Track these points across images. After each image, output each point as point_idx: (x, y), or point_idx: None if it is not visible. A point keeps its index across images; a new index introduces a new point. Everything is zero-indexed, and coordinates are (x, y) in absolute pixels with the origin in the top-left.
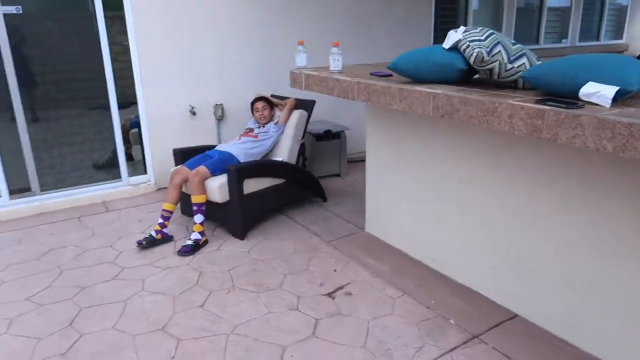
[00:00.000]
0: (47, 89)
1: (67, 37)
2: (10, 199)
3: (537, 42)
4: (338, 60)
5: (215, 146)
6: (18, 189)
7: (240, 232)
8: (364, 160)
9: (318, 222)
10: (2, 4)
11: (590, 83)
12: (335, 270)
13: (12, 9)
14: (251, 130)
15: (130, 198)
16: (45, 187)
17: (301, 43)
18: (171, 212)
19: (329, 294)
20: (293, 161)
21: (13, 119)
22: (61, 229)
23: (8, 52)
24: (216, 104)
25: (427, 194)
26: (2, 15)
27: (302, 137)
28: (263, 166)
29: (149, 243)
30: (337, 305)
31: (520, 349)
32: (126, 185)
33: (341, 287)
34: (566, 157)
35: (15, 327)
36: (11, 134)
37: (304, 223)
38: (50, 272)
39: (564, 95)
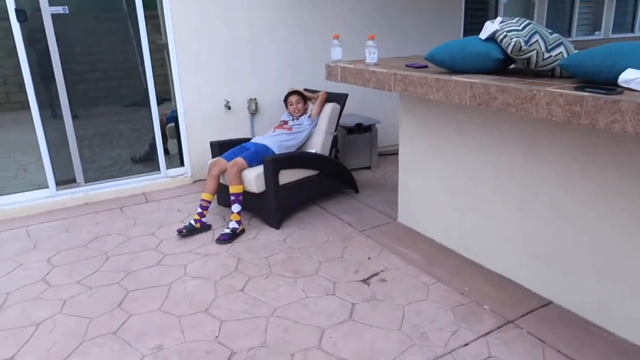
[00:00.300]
0: (88, 87)
1: (107, 36)
2: (57, 189)
3: (569, 34)
4: (374, 53)
5: (250, 139)
6: (64, 180)
7: (276, 221)
8: (395, 154)
9: (351, 213)
10: (50, 5)
11: (629, 70)
12: (369, 258)
13: (59, 9)
14: (285, 122)
15: (168, 189)
16: (89, 179)
17: (336, 37)
18: (209, 202)
19: (364, 281)
20: (326, 153)
21: (59, 114)
22: (105, 218)
23: (56, 51)
24: (250, 99)
25: (460, 184)
26: (50, 16)
27: (335, 130)
28: (297, 158)
29: (188, 231)
30: (372, 291)
31: (555, 334)
32: (164, 177)
33: (376, 274)
34: (603, 146)
35: (68, 307)
36: (57, 128)
37: (337, 213)
38: (97, 258)
39: (602, 83)
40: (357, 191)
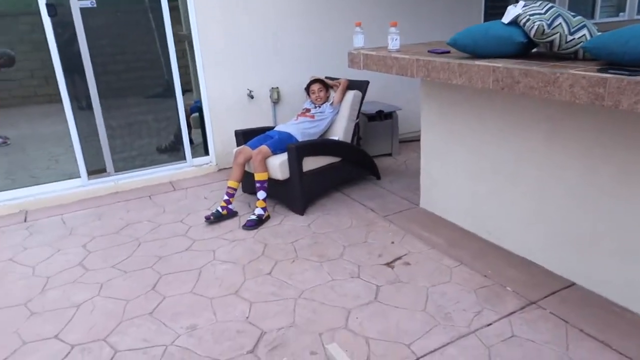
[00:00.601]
0: (114, 79)
1: (132, 28)
2: (89, 179)
3: (592, 16)
4: (396, 39)
5: (273, 127)
6: (94, 170)
7: (300, 207)
8: (415, 140)
9: (373, 199)
10: None
11: None
12: (392, 243)
13: (87, 3)
14: (308, 110)
15: (194, 178)
16: (118, 169)
17: (359, 24)
18: (235, 190)
19: (388, 264)
20: (348, 140)
21: (85, 106)
22: (135, 206)
23: (85, 44)
24: (272, 88)
25: (483, 169)
26: (79, 9)
27: (357, 117)
28: (321, 145)
29: (216, 218)
30: (397, 273)
31: (578, 314)
32: (190, 166)
33: (399, 258)
34: (626, 129)
35: (105, 290)
36: (85, 120)
37: (360, 199)
38: (130, 244)
39: (626, 64)
40: (379, 177)
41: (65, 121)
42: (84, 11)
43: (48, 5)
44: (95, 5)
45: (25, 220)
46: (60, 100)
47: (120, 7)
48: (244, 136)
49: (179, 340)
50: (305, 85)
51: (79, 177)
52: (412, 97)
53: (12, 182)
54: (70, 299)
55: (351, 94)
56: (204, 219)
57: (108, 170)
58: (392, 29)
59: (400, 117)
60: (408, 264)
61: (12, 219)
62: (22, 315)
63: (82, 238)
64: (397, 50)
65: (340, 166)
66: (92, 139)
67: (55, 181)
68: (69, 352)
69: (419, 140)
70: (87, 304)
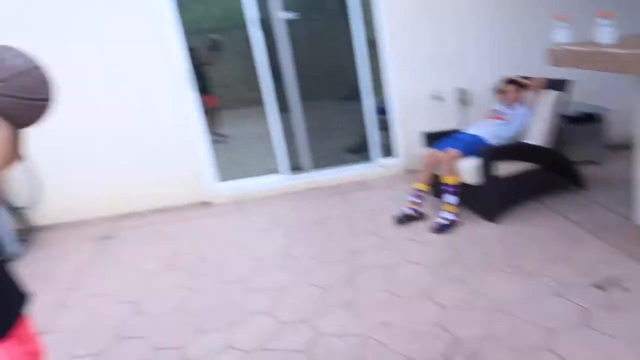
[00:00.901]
0: (308, 83)
1: (325, 35)
2: (290, 175)
3: None
4: (609, 32)
5: (460, 129)
6: (293, 167)
7: (492, 214)
8: (626, 147)
9: (577, 211)
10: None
11: None
12: (602, 262)
13: (291, 15)
14: (499, 112)
15: (382, 178)
16: (313, 166)
17: (561, 18)
18: (424, 192)
19: (598, 286)
20: (547, 145)
21: (285, 108)
22: (329, 202)
23: (287, 52)
24: (459, 88)
25: None
26: (284, 21)
27: (558, 120)
28: (515, 149)
29: (405, 219)
30: (609, 297)
31: None
32: (378, 167)
33: (612, 280)
34: None
35: (305, 276)
36: (283, 121)
37: (561, 211)
38: (325, 237)
39: None
40: (583, 188)
41: (267, 122)
42: (287, 22)
43: (260, 20)
44: (298, 17)
45: (239, 209)
46: (260, 103)
47: (312, 15)
48: (432, 138)
49: (373, 333)
50: (495, 85)
51: (282, 173)
52: (620, 97)
53: (230, 174)
54: (277, 281)
55: (552, 95)
56: (394, 219)
57: (305, 167)
58: (603, 20)
59: (608, 120)
60: (624, 287)
61: (231, 207)
62: (241, 290)
63: (285, 228)
64: (610, 45)
65: (537, 173)
66: (290, 139)
67: (261, 175)
68: (281, 328)
69: (630, 146)
70: (292, 287)
